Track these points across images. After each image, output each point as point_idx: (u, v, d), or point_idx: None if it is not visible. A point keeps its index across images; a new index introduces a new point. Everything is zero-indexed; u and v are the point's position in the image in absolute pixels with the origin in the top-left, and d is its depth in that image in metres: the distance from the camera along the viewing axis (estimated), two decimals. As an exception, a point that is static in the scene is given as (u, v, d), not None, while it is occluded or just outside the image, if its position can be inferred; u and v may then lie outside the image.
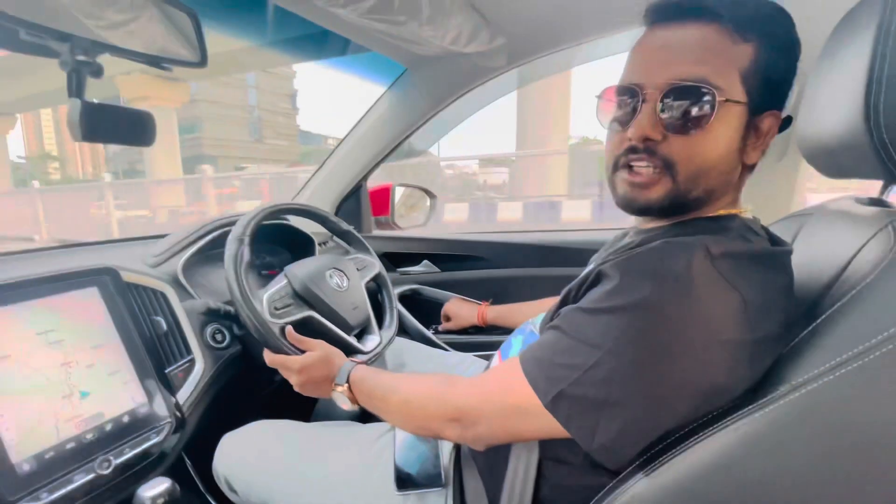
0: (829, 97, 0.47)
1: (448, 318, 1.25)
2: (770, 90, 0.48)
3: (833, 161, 0.50)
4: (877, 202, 0.54)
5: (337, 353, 0.74)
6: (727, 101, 0.45)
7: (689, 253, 0.43)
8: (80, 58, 0.54)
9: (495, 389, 0.52)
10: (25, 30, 0.50)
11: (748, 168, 0.53)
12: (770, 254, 0.48)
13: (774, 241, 0.53)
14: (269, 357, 0.76)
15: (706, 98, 0.45)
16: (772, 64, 0.46)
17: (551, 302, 1.05)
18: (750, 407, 0.41)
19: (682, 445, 0.44)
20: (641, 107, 0.47)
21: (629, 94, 0.49)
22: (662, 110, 0.46)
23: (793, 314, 0.46)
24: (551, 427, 0.46)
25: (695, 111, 0.45)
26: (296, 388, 0.74)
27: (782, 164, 1.02)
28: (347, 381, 0.67)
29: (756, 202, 0.96)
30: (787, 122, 0.54)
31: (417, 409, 0.58)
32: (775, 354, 0.45)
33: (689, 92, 0.45)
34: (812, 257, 0.54)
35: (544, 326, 0.56)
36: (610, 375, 0.43)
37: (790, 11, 0.48)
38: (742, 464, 0.41)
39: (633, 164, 0.50)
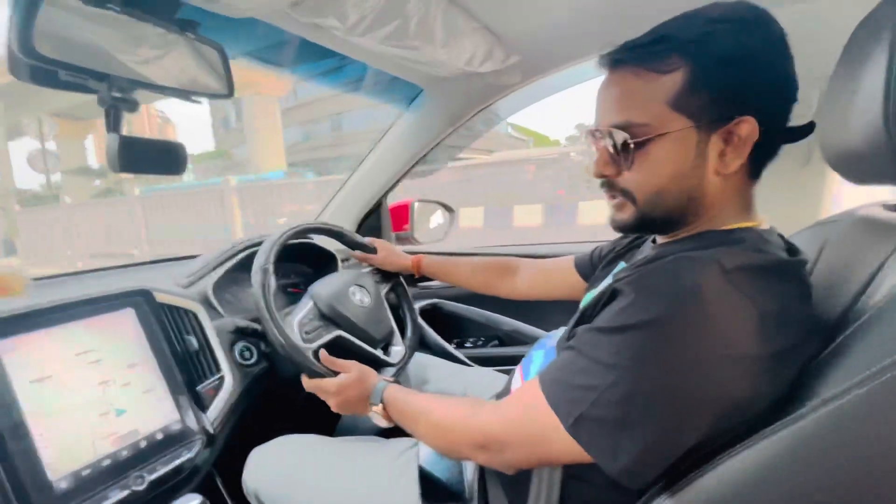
0: (849, 102, 0.46)
1: (372, 251, 1.09)
2: (725, 101, 0.48)
3: (856, 166, 0.49)
4: None
5: (370, 373, 0.76)
6: (660, 135, 0.49)
7: (702, 267, 0.43)
8: (117, 95, 0.58)
9: (518, 415, 0.51)
10: (66, 71, 0.54)
11: (743, 176, 0.52)
12: (784, 264, 0.47)
13: (791, 250, 0.52)
14: (307, 383, 0.79)
15: (636, 137, 0.50)
16: (712, 77, 0.47)
17: (494, 262, 1.06)
18: (777, 423, 0.40)
19: (707, 464, 0.43)
20: (598, 149, 0.55)
21: (592, 135, 0.55)
22: (610, 150, 0.53)
23: (812, 324, 0.45)
24: (576, 450, 0.45)
25: (631, 149, 0.50)
26: (334, 409, 0.76)
27: (808, 170, 1.00)
28: (382, 401, 0.69)
29: (782, 210, 0.95)
30: (809, 129, 0.53)
31: (446, 433, 0.59)
32: (797, 366, 0.44)
33: (621, 133, 0.51)
34: (839, 267, 0.53)
35: (562, 344, 0.56)
36: (627, 395, 0.42)
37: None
38: (770, 481, 0.40)
39: (607, 195, 0.57)
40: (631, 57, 0.50)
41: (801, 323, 0.44)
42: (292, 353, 0.77)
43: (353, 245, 1.07)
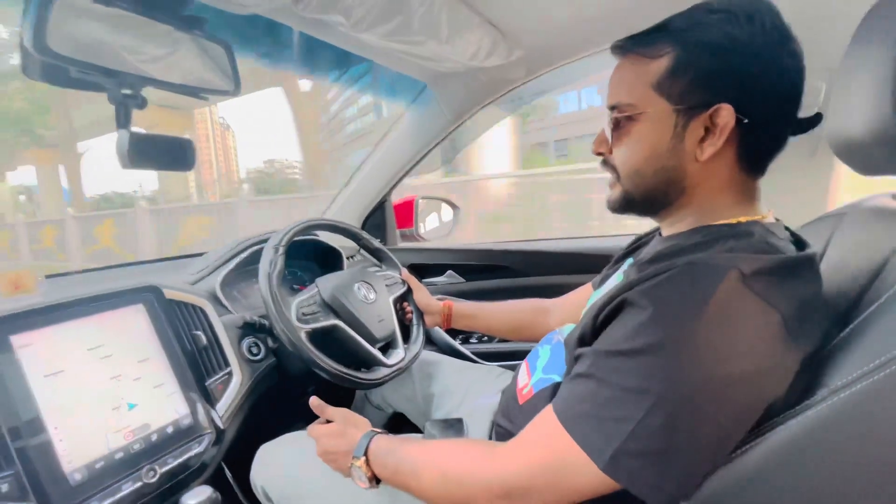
0: (857, 93, 0.46)
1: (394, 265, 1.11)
2: (703, 87, 0.49)
3: (865, 158, 0.49)
4: None
5: (356, 424, 0.67)
6: (641, 112, 0.53)
7: (720, 276, 0.42)
8: (126, 91, 0.58)
9: (542, 456, 0.47)
10: (77, 68, 0.55)
11: (738, 168, 0.52)
12: (797, 262, 0.46)
13: (799, 244, 0.52)
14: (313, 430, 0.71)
15: (621, 115, 0.54)
16: (693, 63, 0.49)
17: (525, 307, 1.03)
18: (787, 414, 0.41)
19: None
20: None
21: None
22: (607, 129, 0.56)
23: (826, 318, 0.45)
24: (609, 486, 0.43)
25: (617, 127, 0.55)
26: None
27: (815, 161, 0.99)
28: (365, 454, 0.60)
29: (789, 202, 0.94)
30: (816, 119, 0.53)
31: (456, 487, 0.51)
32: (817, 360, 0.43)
33: (612, 112, 0.55)
34: (847, 259, 0.53)
35: (571, 349, 0.55)
36: (668, 421, 0.40)
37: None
38: (780, 471, 0.40)
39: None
40: (629, 44, 0.54)
41: (819, 318, 0.44)
42: (284, 328, 0.77)
43: (368, 249, 1.08)
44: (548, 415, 0.48)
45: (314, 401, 0.71)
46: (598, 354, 0.47)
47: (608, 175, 0.59)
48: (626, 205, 0.58)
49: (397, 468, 0.58)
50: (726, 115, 0.49)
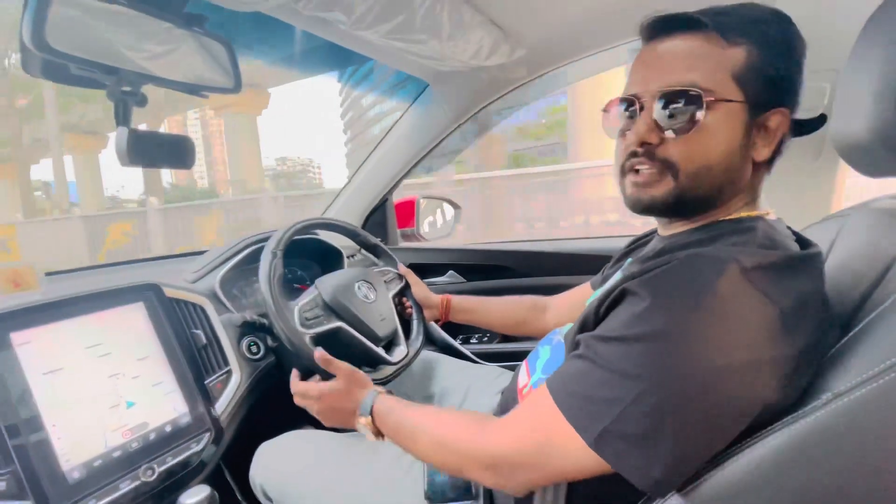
0: (862, 94, 0.46)
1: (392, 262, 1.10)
2: (771, 88, 0.48)
3: (870, 159, 0.49)
4: None
5: (360, 383, 0.70)
6: (719, 100, 0.47)
7: (721, 268, 0.42)
8: (126, 89, 0.58)
9: (531, 432, 0.47)
10: (76, 65, 0.55)
11: (764, 167, 0.53)
12: (800, 258, 0.46)
13: (801, 242, 0.52)
14: (294, 385, 0.76)
15: (697, 100, 0.47)
16: (768, 63, 0.48)
17: (523, 303, 1.02)
18: (788, 418, 0.40)
19: (718, 460, 0.42)
20: (640, 114, 0.51)
21: (629, 104, 0.52)
22: (659, 115, 0.49)
23: (827, 318, 0.45)
24: (597, 466, 0.43)
25: (687, 113, 0.48)
26: (315, 416, 0.73)
27: (819, 163, 0.98)
28: (371, 414, 0.64)
29: (793, 203, 0.94)
30: (820, 121, 0.53)
31: (450, 453, 0.54)
32: (817, 360, 0.43)
33: (680, 96, 0.48)
34: (852, 260, 0.52)
35: (570, 341, 0.55)
36: (656, 407, 0.40)
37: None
38: (780, 475, 0.39)
39: (636, 167, 0.52)
40: (709, 20, 0.48)
41: (820, 316, 0.44)
42: (289, 335, 0.77)
43: (365, 245, 1.08)
44: (541, 392, 0.49)
45: (319, 354, 0.73)
46: (596, 339, 0.47)
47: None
48: (676, 204, 0.51)
49: (397, 429, 0.61)
50: (783, 119, 0.49)
